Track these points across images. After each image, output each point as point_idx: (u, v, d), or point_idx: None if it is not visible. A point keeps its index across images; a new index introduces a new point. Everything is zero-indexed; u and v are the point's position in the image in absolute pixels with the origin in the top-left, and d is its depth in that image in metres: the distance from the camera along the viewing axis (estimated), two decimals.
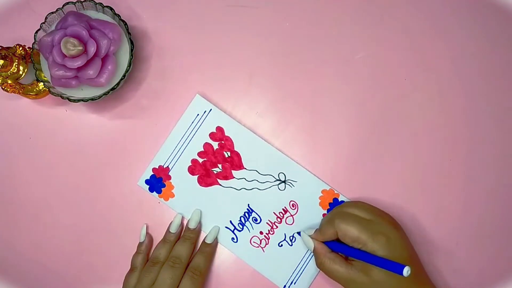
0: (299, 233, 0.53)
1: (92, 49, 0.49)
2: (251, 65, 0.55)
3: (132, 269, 0.51)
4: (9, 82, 0.52)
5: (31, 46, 0.51)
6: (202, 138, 0.54)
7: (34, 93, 0.53)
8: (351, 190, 0.53)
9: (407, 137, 0.54)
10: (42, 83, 0.52)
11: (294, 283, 0.52)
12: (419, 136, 0.54)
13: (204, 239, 0.53)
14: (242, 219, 0.53)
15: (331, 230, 0.48)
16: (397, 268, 0.42)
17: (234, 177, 0.54)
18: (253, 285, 0.53)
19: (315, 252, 0.50)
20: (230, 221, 0.53)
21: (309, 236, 0.51)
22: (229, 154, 0.54)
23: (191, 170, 0.54)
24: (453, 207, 0.54)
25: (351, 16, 0.55)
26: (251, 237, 0.53)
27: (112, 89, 0.50)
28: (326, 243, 0.50)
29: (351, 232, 0.47)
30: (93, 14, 0.52)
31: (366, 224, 0.47)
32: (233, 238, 0.53)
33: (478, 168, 0.54)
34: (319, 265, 0.49)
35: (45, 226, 0.54)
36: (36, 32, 0.51)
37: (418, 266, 0.49)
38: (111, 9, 0.51)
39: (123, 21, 0.51)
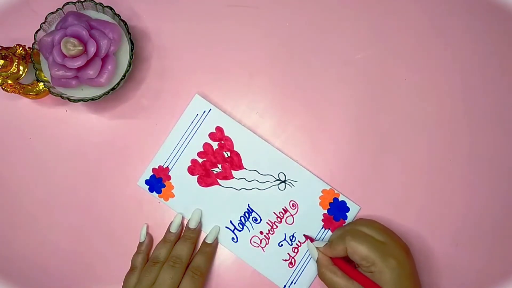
0: (304, 239, 0.53)
1: (92, 49, 0.49)
2: (251, 65, 0.55)
3: (132, 269, 0.51)
4: (9, 82, 0.52)
5: (31, 46, 0.51)
6: (201, 138, 0.54)
7: (34, 93, 0.53)
8: (351, 190, 0.53)
9: (407, 136, 0.54)
10: (42, 83, 0.52)
11: (294, 283, 0.52)
12: (419, 136, 0.54)
13: (204, 239, 0.53)
14: (242, 219, 0.53)
15: (341, 246, 0.48)
16: None
17: (234, 177, 0.54)
18: (253, 285, 0.53)
19: (318, 262, 0.50)
20: (230, 221, 0.53)
21: (317, 247, 0.50)
22: (228, 154, 0.54)
23: (191, 170, 0.54)
24: (453, 207, 0.54)
25: (351, 16, 0.55)
26: (251, 237, 0.53)
27: (112, 89, 0.50)
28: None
29: (360, 251, 0.46)
30: (93, 14, 0.52)
31: (378, 245, 0.47)
32: (233, 238, 0.53)
33: (479, 168, 0.54)
34: (320, 275, 0.49)
35: (45, 226, 0.54)
36: (36, 32, 0.51)
37: None
38: (111, 9, 0.51)
39: (123, 21, 0.51)
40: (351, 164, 0.54)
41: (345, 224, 0.52)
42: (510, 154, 0.54)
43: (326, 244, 0.50)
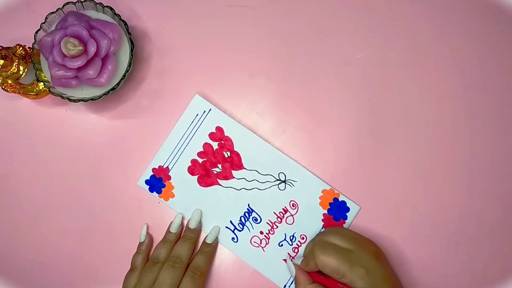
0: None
1: (92, 49, 0.49)
2: (251, 65, 0.55)
3: (132, 269, 0.51)
4: (9, 82, 0.52)
5: (31, 46, 0.51)
6: (201, 138, 0.54)
7: (34, 93, 0.53)
8: (352, 189, 0.53)
9: (407, 136, 0.54)
10: (42, 83, 0.52)
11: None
12: (419, 136, 0.54)
13: (204, 239, 0.53)
14: (242, 219, 0.53)
15: (313, 261, 0.47)
16: None
17: (234, 177, 0.54)
18: (253, 285, 0.53)
19: (295, 280, 0.49)
20: (230, 221, 0.53)
21: (295, 264, 0.49)
22: (229, 154, 0.54)
23: (191, 170, 0.54)
24: (453, 207, 0.54)
25: (351, 16, 0.55)
26: (251, 237, 0.53)
27: (112, 89, 0.50)
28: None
29: (330, 263, 0.46)
30: (93, 14, 0.52)
31: (346, 254, 0.46)
32: (233, 238, 0.53)
33: (479, 168, 0.54)
34: None
35: (45, 226, 0.54)
36: (36, 32, 0.51)
37: None
38: (111, 9, 0.51)
39: (123, 21, 0.51)
40: (351, 164, 0.54)
41: (316, 235, 0.52)
42: (510, 154, 0.54)
43: (302, 259, 0.49)
